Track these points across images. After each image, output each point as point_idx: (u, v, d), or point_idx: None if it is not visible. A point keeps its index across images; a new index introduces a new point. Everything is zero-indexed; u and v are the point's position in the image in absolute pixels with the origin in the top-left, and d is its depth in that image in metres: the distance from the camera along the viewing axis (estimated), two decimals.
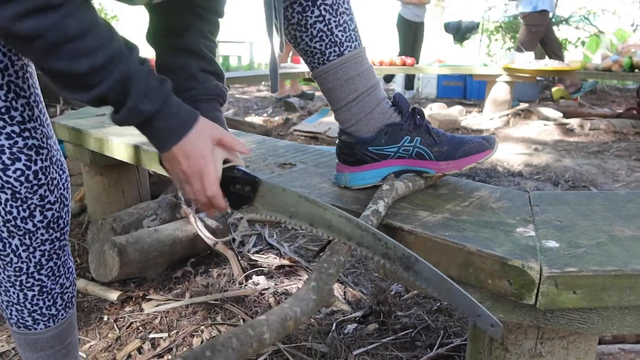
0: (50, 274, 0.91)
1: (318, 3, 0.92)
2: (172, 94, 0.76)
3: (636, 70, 4.18)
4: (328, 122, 4.02)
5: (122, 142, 1.50)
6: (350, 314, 1.47)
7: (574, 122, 4.32)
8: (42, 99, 0.89)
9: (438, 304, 1.52)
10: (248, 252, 1.86)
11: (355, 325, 1.41)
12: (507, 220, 0.85)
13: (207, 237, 1.72)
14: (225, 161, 0.81)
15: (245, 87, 7.59)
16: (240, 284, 1.63)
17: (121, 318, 1.46)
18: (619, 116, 4.61)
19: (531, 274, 0.69)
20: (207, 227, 1.76)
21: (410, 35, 6.22)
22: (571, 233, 0.81)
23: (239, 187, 0.81)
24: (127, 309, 1.50)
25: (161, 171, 1.36)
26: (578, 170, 3.10)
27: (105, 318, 1.46)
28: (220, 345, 0.44)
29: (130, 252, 1.59)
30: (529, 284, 0.69)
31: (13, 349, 1.32)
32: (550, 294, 0.69)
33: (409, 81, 6.57)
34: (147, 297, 1.56)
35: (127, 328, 1.41)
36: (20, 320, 0.93)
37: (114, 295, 1.53)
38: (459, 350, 1.28)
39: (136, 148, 1.44)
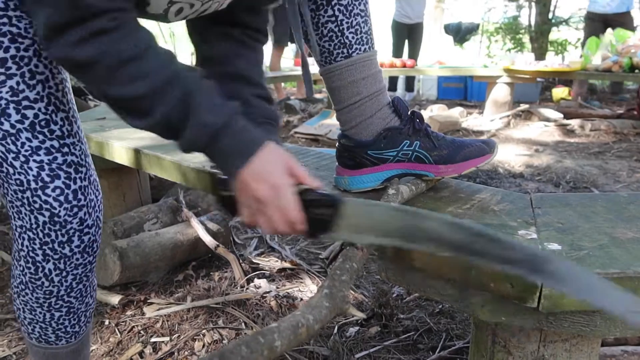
0: (78, 295, 0.89)
1: (333, 3, 0.92)
2: (239, 113, 0.71)
3: (636, 70, 4.18)
4: (329, 125, 4.02)
5: (122, 146, 1.50)
6: (352, 316, 1.46)
7: (574, 123, 4.32)
8: (78, 116, 0.87)
9: (440, 306, 1.51)
10: (249, 255, 1.86)
11: (357, 328, 1.41)
12: (509, 222, 0.85)
13: (208, 240, 1.72)
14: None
15: None
16: (242, 287, 1.63)
17: (122, 322, 1.45)
18: (620, 117, 4.60)
19: None
20: (208, 230, 1.76)
21: (401, 38, 6.17)
22: (573, 235, 0.80)
23: (317, 211, 0.71)
24: (129, 312, 1.50)
25: (162, 174, 1.35)
26: (579, 171, 3.10)
27: (107, 322, 1.46)
28: (229, 352, 0.43)
29: (132, 256, 1.59)
30: (532, 287, 0.69)
31: (14, 353, 1.32)
32: (553, 297, 0.69)
33: (409, 83, 6.57)
34: (149, 300, 1.56)
35: (128, 332, 1.41)
36: (43, 337, 0.91)
37: (115, 299, 1.53)
38: (461, 353, 1.28)
39: (137, 152, 1.43)
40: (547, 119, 4.63)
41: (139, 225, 1.79)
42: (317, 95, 6.01)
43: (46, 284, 0.84)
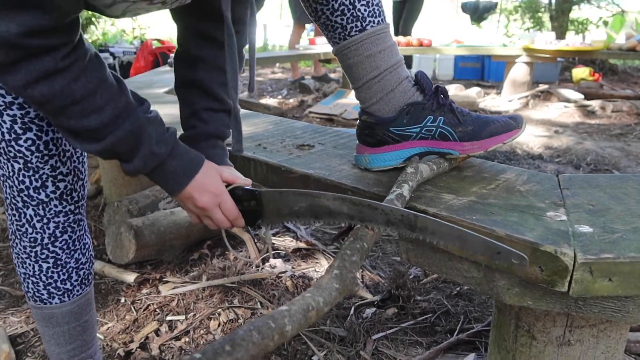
0: (64, 247, 0.92)
1: None
2: (178, 139, 0.81)
3: None
4: (344, 104, 3.97)
5: None
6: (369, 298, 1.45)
7: (595, 104, 4.22)
8: None
9: (458, 289, 1.49)
10: (264, 235, 1.85)
11: (373, 309, 1.39)
12: (537, 203, 0.82)
13: None
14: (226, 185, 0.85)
15: (259, 69, 7.54)
16: (257, 267, 1.62)
17: (138, 300, 1.46)
18: None
19: (565, 260, 0.65)
20: None
21: (396, 14, 5.79)
22: (605, 217, 0.77)
23: (245, 204, 0.84)
24: (144, 291, 1.50)
25: None
26: (600, 153, 3.03)
27: (123, 300, 1.46)
28: (240, 339, 0.42)
29: (147, 235, 1.58)
30: (562, 271, 0.66)
31: (32, 329, 1.33)
32: (585, 282, 0.66)
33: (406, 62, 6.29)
34: (164, 279, 1.56)
35: (144, 310, 1.41)
36: (37, 294, 0.94)
37: (130, 277, 1.53)
38: (480, 336, 1.26)
39: None
40: (567, 100, 4.53)
41: (154, 203, 1.79)
42: (332, 75, 5.94)
43: (29, 230, 0.88)
